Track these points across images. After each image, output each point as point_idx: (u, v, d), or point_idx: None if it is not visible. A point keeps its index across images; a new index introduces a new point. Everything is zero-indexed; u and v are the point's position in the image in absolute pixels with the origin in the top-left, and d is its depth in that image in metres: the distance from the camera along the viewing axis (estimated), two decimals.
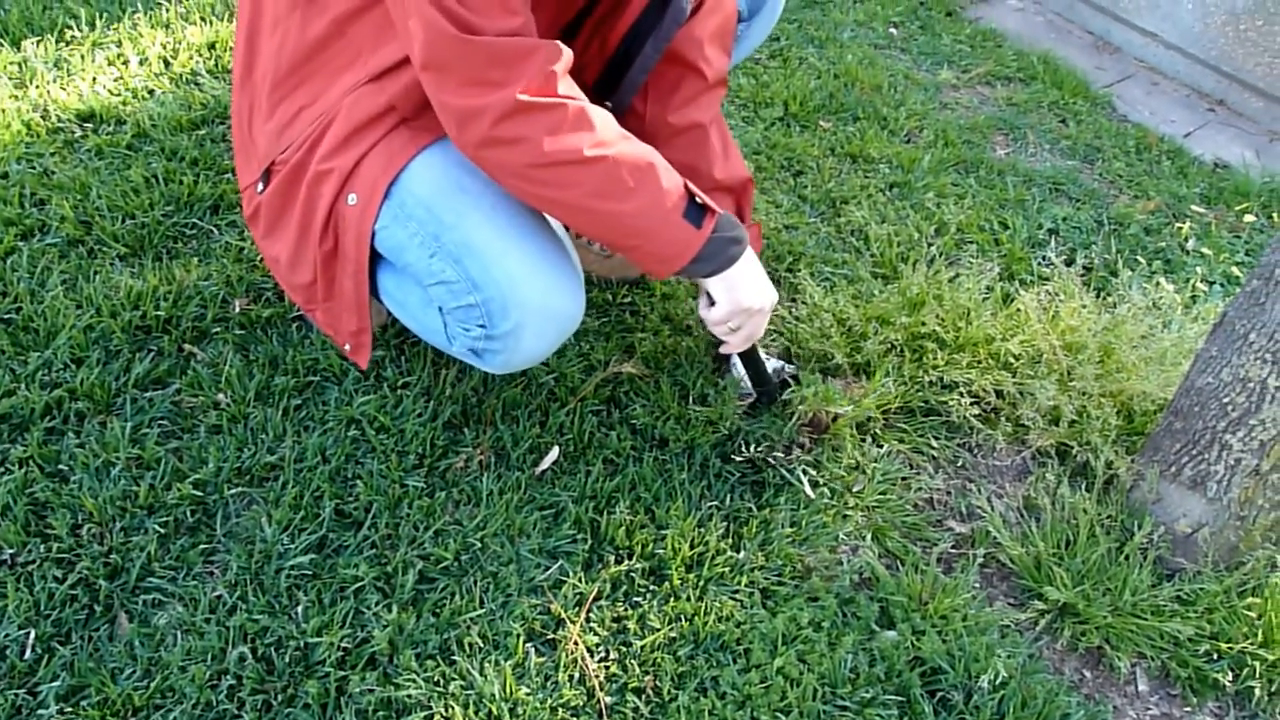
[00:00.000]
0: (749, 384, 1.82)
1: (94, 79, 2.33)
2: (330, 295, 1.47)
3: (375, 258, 1.48)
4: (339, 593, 1.44)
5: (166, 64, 2.45)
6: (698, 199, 1.38)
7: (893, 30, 3.56)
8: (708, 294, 1.50)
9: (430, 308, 1.48)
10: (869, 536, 1.68)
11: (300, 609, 1.42)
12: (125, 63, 2.41)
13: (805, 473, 1.73)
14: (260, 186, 1.46)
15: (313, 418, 1.67)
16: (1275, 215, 2.83)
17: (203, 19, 2.64)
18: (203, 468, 1.56)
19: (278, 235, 1.48)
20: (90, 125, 2.21)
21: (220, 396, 1.68)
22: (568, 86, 1.27)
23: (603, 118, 1.30)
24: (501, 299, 1.38)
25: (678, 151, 1.62)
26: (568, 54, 1.28)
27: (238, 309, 1.82)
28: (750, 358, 1.74)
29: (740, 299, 1.48)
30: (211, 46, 2.55)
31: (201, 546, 1.47)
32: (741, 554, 1.59)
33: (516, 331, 1.40)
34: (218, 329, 1.79)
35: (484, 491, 1.60)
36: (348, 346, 1.52)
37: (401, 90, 1.35)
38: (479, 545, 1.53)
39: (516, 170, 1.29)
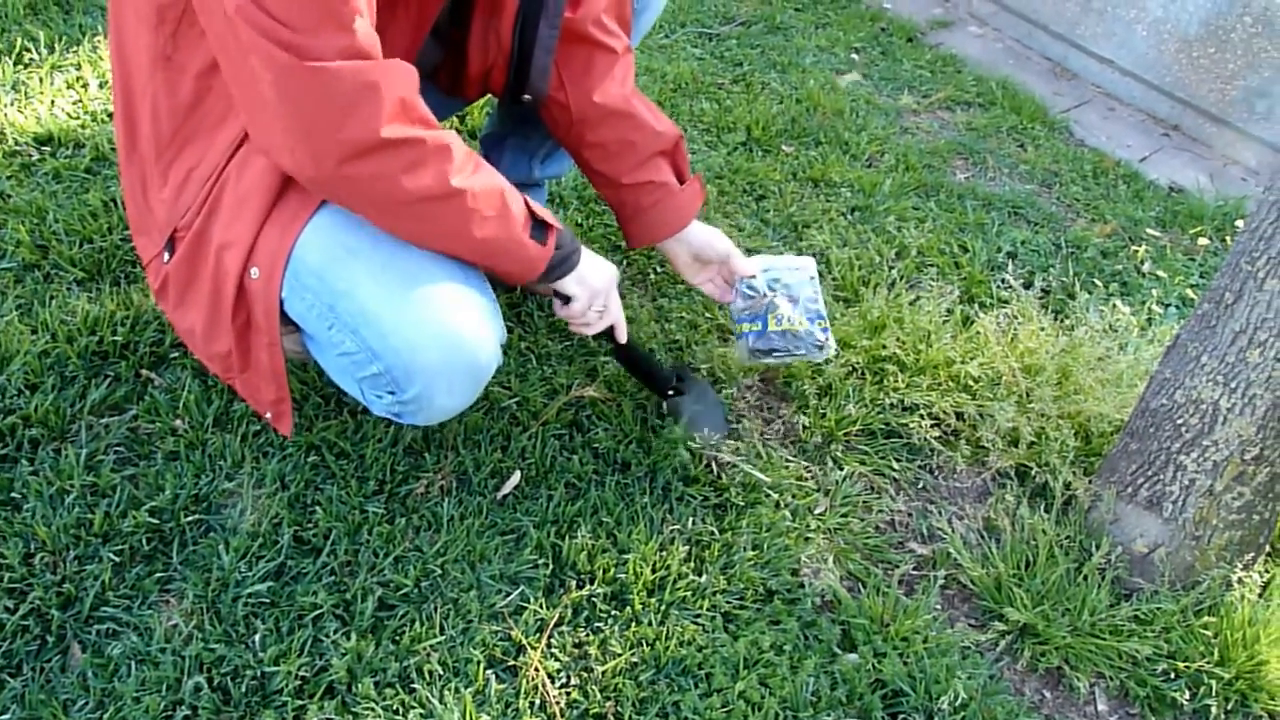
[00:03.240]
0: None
1: (52, 102, 2.31)
2: (246, 366, 1.42)
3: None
4: (297, 621, 1.43)
5: None
6: (538, 216, 1.40)
7: (854, 55, 3.60)
8: (559, 296, 1.57)
9: (344, 374, 1.45)
10: (831, 559, 1.69)
11: (257, 637, 1.40)
12: (84, 86, 2.40)
13: (767, 495, 1.73)
14: (166, 256, 1.40)
15: (271, 444, 1.66)
16: (1228, 239, 2.88)
17: None
18: (159, 495, 1.54)
19: (189, 306, 1.41)
20: (48, 149, 2.19)
21: (178, 423, 1.66)
22: (421, 111, 1.24)
23: (458, 146, 1.29)
24: (403, 366, 1.34)
25: (611, 130, 1.65)
26: (413, 74, 1.24)
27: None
28: (631, 355, 1.78)
29: (591, 284, 1.55)
30: None
31: (157, 575, 1.46)
32: (704, 578, 1.59)
33: (426, 394, 1.38)
34: (176, 354, 1.77)
35: (445, 517, 1.60)
36: (269, 415, 1.46)
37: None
38: (439, 571, 1.52)
39: (375, 205, 1.27)
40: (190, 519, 1.53)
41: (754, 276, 1.78)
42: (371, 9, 1.19)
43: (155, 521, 1.51)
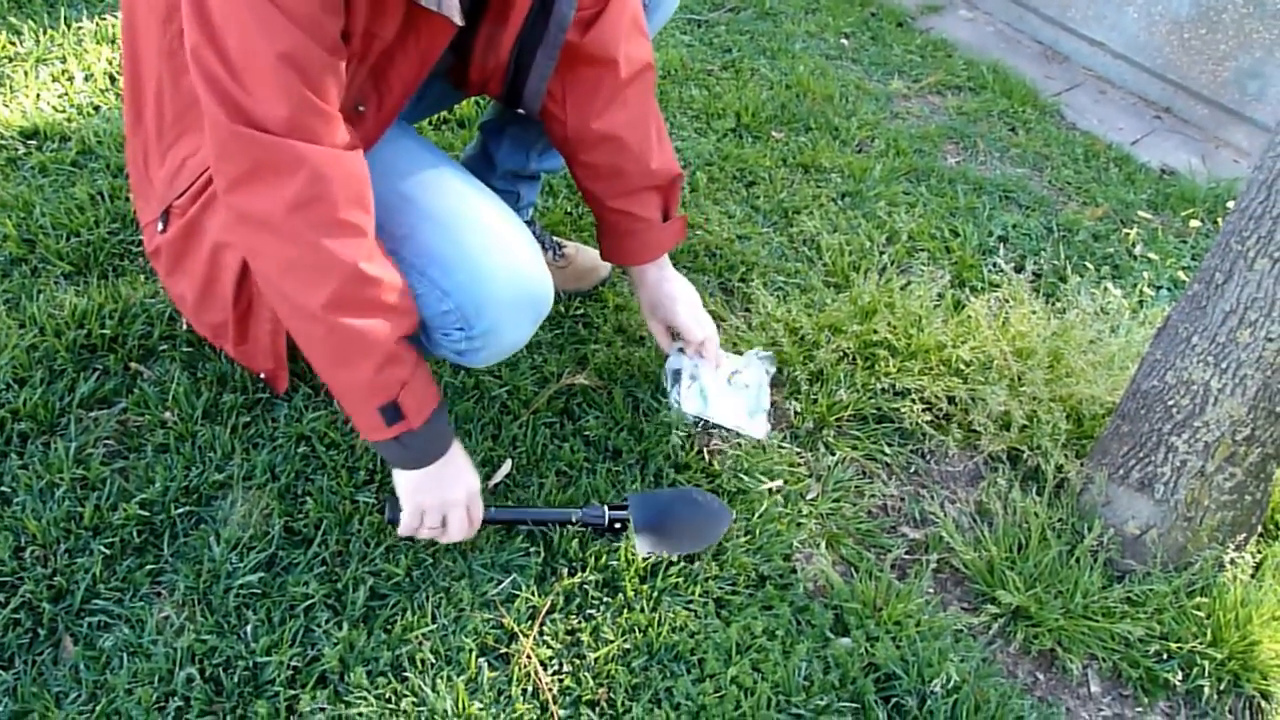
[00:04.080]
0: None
1: (38, 95, 2.30)
2: (243, 340, 1.46)
3: None
4: (289, 611, 1.43)
5: (112, 79, 2.43)
6: (400, 407, 1.33)
7: (844, 41, 3.59)
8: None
9: None
10: (823, 544, 1.69)
11: (249, 628, 1.40)
12: (70, 79, 2.39)
13: (759, 481, 1.74)
14: (160, 226, 1.44)
15: (262, 435, 1.65)
16: (1220, 220, 2.88)
17: None
18: (149, 487, 1.54)
19: (180, 277, 1.47)
20: (34, 142, 2.18)
21: (167, 415, 1.65)
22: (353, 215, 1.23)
23: (383, 271, 1.26)
24: (474, 301, 1.37)
25: (604, 156, 1.63)
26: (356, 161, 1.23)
27: (185, 326, 1.80)
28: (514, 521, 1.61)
29: (418, 499, 1.45)
30: None
31: (148, 567, 1.45)
32: (696, 564, 1.59)
33: (495, 327, 1.40)
34: (164, 347, 1.76)
35: None
36: (262, 375, 1.52)
37: None
38: (430, 560, 1.52)
39: (259, 268, 1.28)
40: (181, 511, 1.52)
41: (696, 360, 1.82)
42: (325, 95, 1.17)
43: (146, 514, 1.51)
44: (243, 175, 1.17)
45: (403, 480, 1.44)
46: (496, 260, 1.38)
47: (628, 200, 1.67)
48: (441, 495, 1.44)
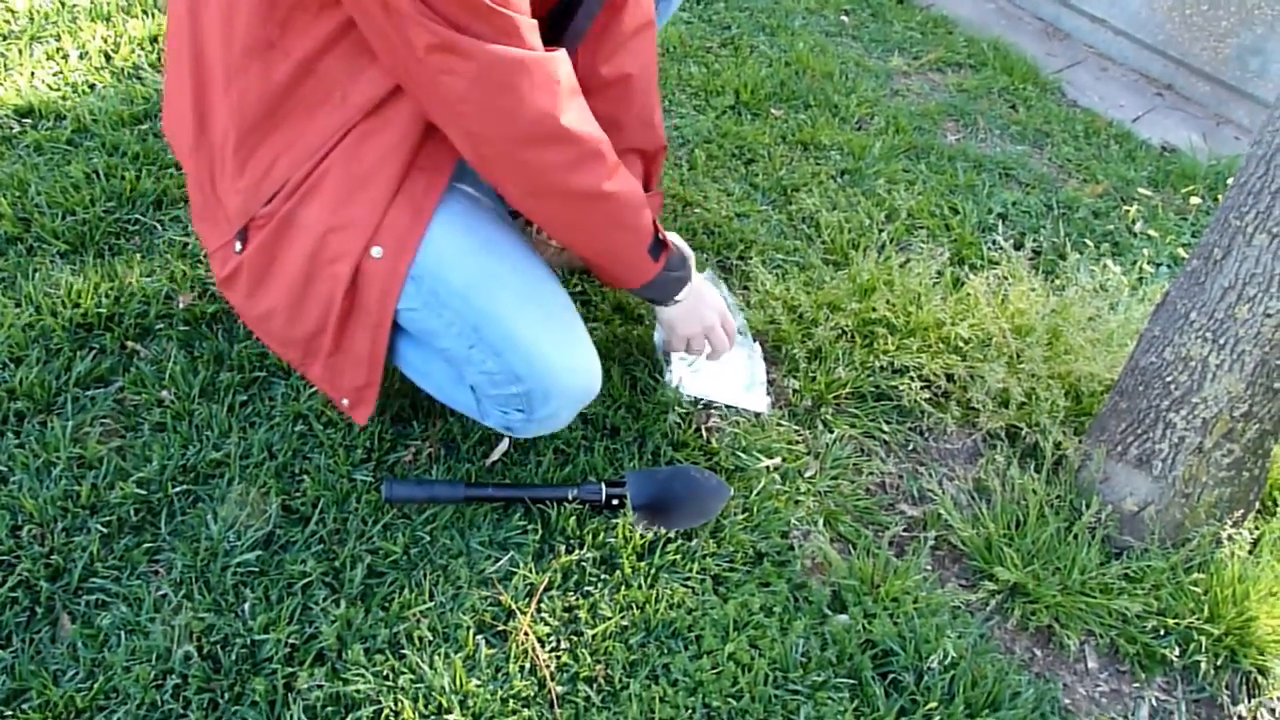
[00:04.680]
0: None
1: (32, 74, 2.29)
2: (339, 349, 1.42)
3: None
4: (286, 589, 1.43)
5: (107, 58, 2.42)
6: (660, 235, 1.49)
7: (844, 18, 3.56)
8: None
9: (461, 385, 1.52)
10: (821, 521, 1.69)
11: (247, 606, 1.40)
12: (65, 57, 2.37)
13: (757, 457, 1.73)
14: (238, 246, 1.39)
15: (259, 413, 1.65)
16: (1220, 197, 2.86)
17: (145, 12, 2.60)
18: (146, 466, 1.54)
19: (267, 290, 1.40)
20: (29, 121, 2.17)
21: (164, 394, 1.65)
22: (585, 104, 1.32)
23: (610, 148, 1.35)
24: (544, 390, 1.45)
25: (604, 103, 1.59)
26: (570, 66, 1.31)
27: (182, 305, 1.80)
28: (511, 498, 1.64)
29: (683, 333, 1.66)
30: (154, 40, 2.51)
31: (146, 546, 1.45)
32: (693, 541, 1.59)
33: (555, 413, 1.49)
34: (161, 325, 1.76)
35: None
36: (345, 401, 1.47)
37: (405, 127, 1.32)
38: (428, 539, 1.52)
39: (534, 191, 1.35)
40: (178, 490, 1.52)
41: None
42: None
43: (143, 493, 1.51)
44: (511, 96, 1.23)
45: (668, 318, 1.64)
46: (570, 359, 1.46)
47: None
48: (700, 321, 1.65)
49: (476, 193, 1.50)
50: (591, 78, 1.59)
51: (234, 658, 1.34)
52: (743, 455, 1.74)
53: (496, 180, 1.35)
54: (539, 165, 1.30)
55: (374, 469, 1.60)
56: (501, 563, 1.51)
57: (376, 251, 1.35)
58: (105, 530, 1.45)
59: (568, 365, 1.46)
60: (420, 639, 1.40)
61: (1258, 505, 1.77)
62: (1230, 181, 2.80)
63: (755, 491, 1.68)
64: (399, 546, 1.49)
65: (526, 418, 1.49)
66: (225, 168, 1.36)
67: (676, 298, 1.60)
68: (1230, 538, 1.69)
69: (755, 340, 1.94)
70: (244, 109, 1.31)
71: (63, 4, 2.55)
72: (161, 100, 1.56)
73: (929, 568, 1.67)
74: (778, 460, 1.75)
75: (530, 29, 1.23)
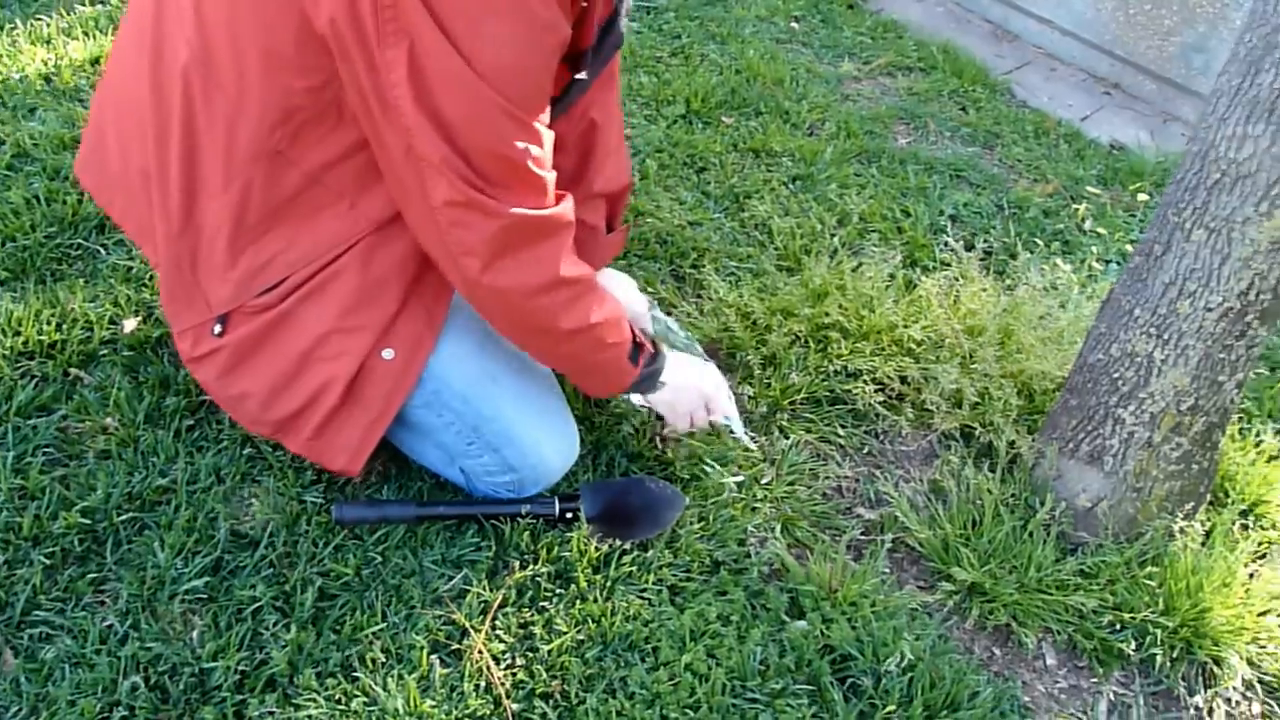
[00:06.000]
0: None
1: None
2: (321, 435, 1.42)
3: None
4: (235, 615, 1.41)
5: (48, 80, 2.38)
6: (636, 339, 1.51)
7: (794, 24, 3.58)
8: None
9: (452, 467, 1.57)
10: (778, 527, 1.68)
11: (195, 634, 1.38)
12: (3, 81, 2.34)
13: (713, 466, 1.73)
14: (217, 329, 1.37)
15: (206, 438, 1.63)
16: None
17: (86, 34, 2.57)
18: (91, 495, 1.51)
19: (246, 375, 1.40)
20: None
21: (109, 421, 1.63)
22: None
23: (591, 274, 1.39)
24: (536, 477, 1.55)
25: (570, 155, 1.62)
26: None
27: (126, 330, 1.77)
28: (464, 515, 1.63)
29: (679, 412, 1.64)
30: (95, 62, 2.48)
31: (91, 576, 1.43)
32: (649, 552, 1.58)
33: (538, 488, 1.59)
34: (105, 352, 1.74)
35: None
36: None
37: (414, 246, 1.36)
38: (380, 559, 1.50)
39: (522, 329, 1.40)
40: (124, 518, 1.50)
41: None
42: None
43: (88, 522, 1.48)
44: (508, 250, 1.26)
45: (662, 405, 1.63)
46: (558, 447, 1.57)
47: (579, 208, 1.65)
48: (690, 399, 1.63)
49: None
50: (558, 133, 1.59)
51: (182, 687, 1.32)
52: (698, 463, 1.73)
53: (486, 315, 1.39)
54: (533, 309, 1.33)
55: (324, 490, 1.58)
56: (455, 581, 1.49)
57: (388, 354, 1.39)
58: (49, 562, 1.43)
59: (559, 452, 1.56)
60: (373, 661, 1.38)
61: (1208, 497, 1.79)
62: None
63: (711, 500, 1.68)
64: (350, 568, 1.48)
65: (515, 493, 1.57)
66: (214, 257, 1.35)
67: (659, 385, 1.59)
68: (1182, 530, 1.71)
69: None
70: (244, 208, 1.32)
71: (1, 27, 2.51)
72: (89, 147, 1.53)
73: (887, 570, 1.67)
74: (735, 468, 1.75)
75: (553, 178, 1.26)
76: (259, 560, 1.48)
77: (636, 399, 1.65)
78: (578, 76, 1.35)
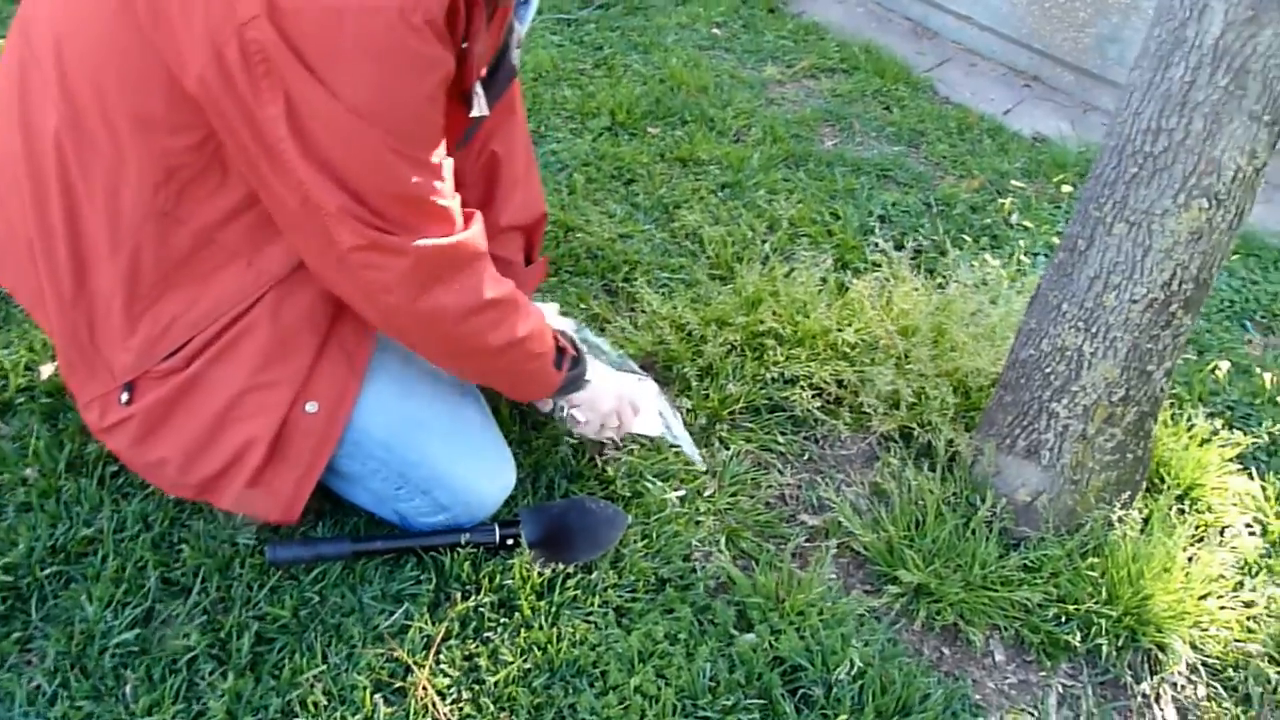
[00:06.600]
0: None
1: None
2: (252, 490, 1.39)
3: None
4: (169, 666, 1.36)
5: None
6: (559, 344, 1.51)
7: (716, 31, 3.59)
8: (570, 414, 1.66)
9: (385, 507, 1.55)
10: (722, 540, 1.67)
11: (128, 689, 1.34)
12: None
13: (653, 482, 1.72)
14: (124, 398, 1.33)
15: (132, 484, 1.58)
16: None
17: None
18: (12, 550, 1.46)
19: (161, 441, 1.35)
20: None
21: (28, 472, 1.57)
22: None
23: (516, 290, 1.38)
24: (471, 512, 1.53)
25: (469, 191, 1.60)
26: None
27: (44, 375, 1.72)
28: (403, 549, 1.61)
29: (596, 418, 1.64)
30: None
31: (15, 635, 1.38)
32: (594, 574, 1.56)
33: (476, 520, 1.57)
34: (22, 400, 1.68)
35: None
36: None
37: (325, 290, 1.33)
38: (318, 599, 1.47)
39: (453, 354, 1.40)
40: (48, 572, 1.45)
41: None
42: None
43: (10, 579, 1.43)
44: (426, 282, 1.25)
45: (584, 404, 1.62)
46: (494, 480, 1.56)
47: (494, 243, 1.62)
48: (608, 400, 1.63)
49: None
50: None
51: None
52: (640, 481, 1.72)
53: (412, 346, 1.38)
54: (460, 334, 1.33)
55: (257, 532, 1.54)
56: (396, 616, 1.46)
57: (311, 406, 1.35)
58: None
59: (492, 487, 1.55)
60: (315, 704, 1.34)
61: (1144, 485, 1.81)
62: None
63: (654, 516, 1.66)
64: (287, 610, 1.44)
65: (451, 529, 1.56)
66: (111, 323, 1.31)
67: (584, 385, 1.59)
68: (1121, 519, 1.73)
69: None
70: (136, 272, 1.27)
71: None
72: None
73: (833, 576, 1.67)
74: (676, 483, 1.73)
75: (457, 203, 1.25)
76: (192, 608, 1.44)
77: (546, 406, 1.66)
78: (473, 114, 1.32)
